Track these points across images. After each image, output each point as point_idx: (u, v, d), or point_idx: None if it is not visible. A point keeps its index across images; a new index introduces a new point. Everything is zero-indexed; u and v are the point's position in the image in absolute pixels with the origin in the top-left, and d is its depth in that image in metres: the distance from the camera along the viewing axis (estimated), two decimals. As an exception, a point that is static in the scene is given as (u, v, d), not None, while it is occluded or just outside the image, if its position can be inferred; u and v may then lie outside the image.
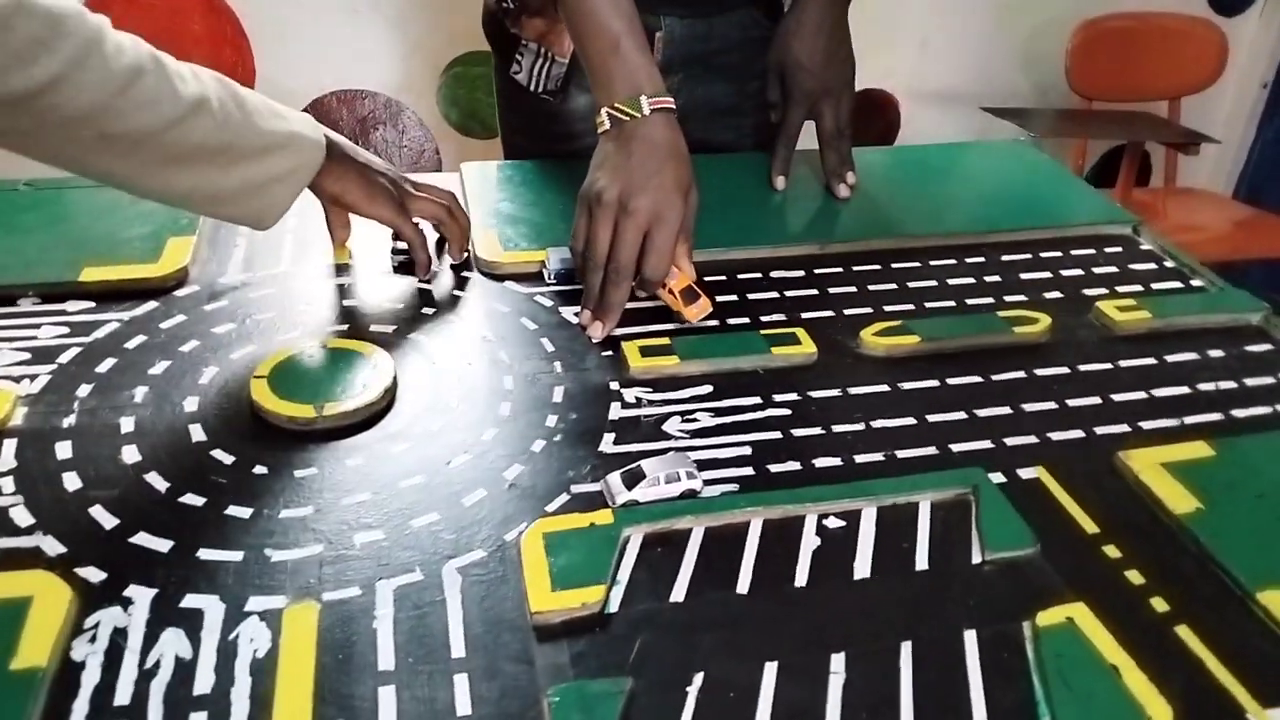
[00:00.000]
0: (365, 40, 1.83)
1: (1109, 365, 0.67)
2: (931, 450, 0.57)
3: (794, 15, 0.88)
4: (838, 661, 0.44)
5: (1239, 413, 0.62)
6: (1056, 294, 0.75)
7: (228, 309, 0.68)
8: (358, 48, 1.84)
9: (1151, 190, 2.16)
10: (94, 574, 0.46)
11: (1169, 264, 0.80)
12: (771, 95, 0.90)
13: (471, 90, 1.92)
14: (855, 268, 0.77)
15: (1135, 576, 0.49)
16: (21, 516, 0.50)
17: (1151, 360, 0.67)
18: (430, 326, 0.68)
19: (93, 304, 0.68)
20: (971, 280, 0.77)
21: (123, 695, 0.41)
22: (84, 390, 0.59)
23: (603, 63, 0.71)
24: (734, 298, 0.72)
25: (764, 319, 0.69)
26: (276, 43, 1.79)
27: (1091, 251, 0.82)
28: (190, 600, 0.45)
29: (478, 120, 1.95)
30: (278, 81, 1.82)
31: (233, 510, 0.51)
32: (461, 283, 0.73)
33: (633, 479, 0.52)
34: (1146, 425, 0.61)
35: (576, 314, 0.69)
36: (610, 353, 0.65)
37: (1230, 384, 0.65)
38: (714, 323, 0.69)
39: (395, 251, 0.76)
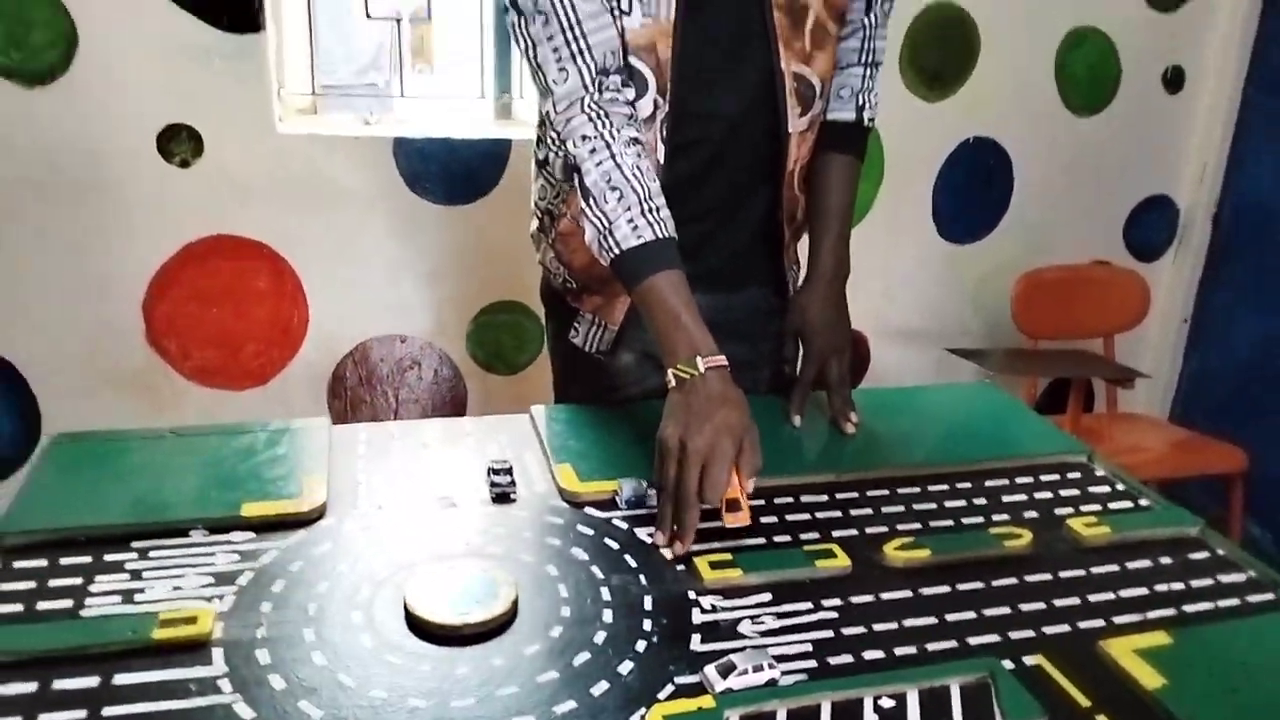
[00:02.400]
0: (405, 293, 2.04)
1: (1082, 571, 0.80)
2: (953, 644, 0.70)
3: (806, 292, 1.09)
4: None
5: (1188, 608, 0.76)
6: (1033, 513, 0.90)
7: (365, 536, 0.81)
8: (398, 299, 2.04)
9: (1097, 416, 2.37)
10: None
11: (1120, 487, 0.96)
12: (789, 352, 1.09)
13: (497, 334, 2.11)
14: (869, 492, 0.92)
15: (1124, 740, 0.61)
16: (244, 711, 0.60)
17: (1115, 567, 0.81)
18: (532, 547, 0.80)
19: (253, 534, 0.80)
20: (964, 503, 0.91)
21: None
22: (266, 607, 0.71)
23: (668, 333, 0.88)
24: (775, 519, 0.86)
25: (803, 536, 0.83)
26: (328, 296, 1.99)
27: (1057, 477, 0.97)
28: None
29: (502, 360, 2.14)
30: (328, 328, 2.00)
31: (414, 701, 0.62)
32: (550, 509, 0.87)
33: (725, 670, 0.64)
34: (1118, 620, 0.74)
35: (650, 534, 0.82)
36: (682, 566, 0.78)
37: (1179, 585, 0.79)
38: (761, 540, 0.82)
39: (494, 484, 0.90)
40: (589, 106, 0.95)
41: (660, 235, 0.91)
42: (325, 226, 1.95)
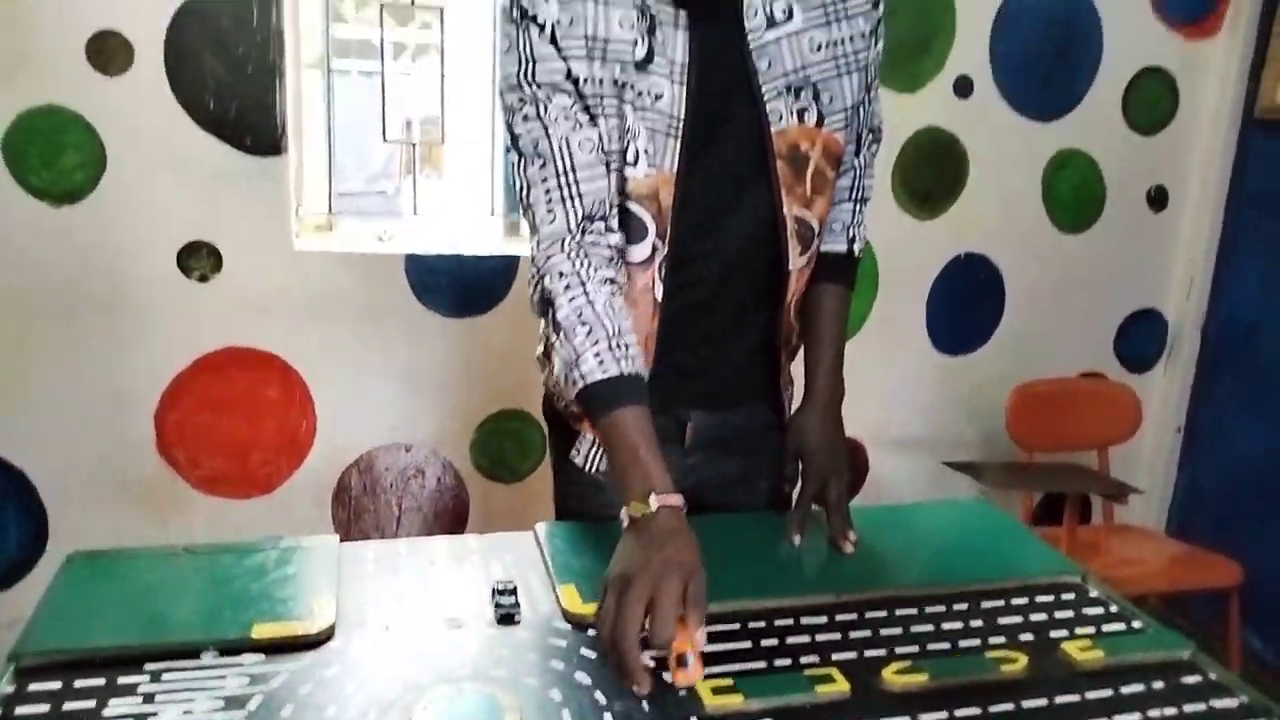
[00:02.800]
0: (411, 403, 2.07)
1: (1077, 697, 0.81)
2: (952, 770, 0.71)
3: (804, 415, 1.12)
4: None
5: (1184, 735, 0.77)
6: (1029, 635, 0.91)
7: (373, 658, 0.82)
8: (405, 409, 2.07)
9: (1094, 528, 2.37)
10: None
11: (1114, 608, 0.97)
12: (789, 472, 1.11)
13: (501, 442, 2.14)
14: (868, 614, 0.93)
15: None
16: (253, 838, 0.61)
17: (1109, 692, 0.82)
18: (536, 670, 0.82)
19: (263, 656, 0.82)
20: (960, 624, 0.92)
21: None
22: (276, 731, 0.72)
23: (625, 470, 0.89)
24: (776, 641, 0.87)
25: (803, 660, 0.84)
26: (336, 407, 2.02)
27: (1051, 598, 0.99)
28: None
29: (505, 467, 2.16)
30: (334, 438, 2.03)
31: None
32: (554, 631, 0.88)
33: (726, 798, 0.64)
34: (1114, 747, 0.75)
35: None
36: (684, 692, 0.79)
37: (1172, 710, 0.80)
38: (763, 664, 0.83)
39: (498, 605, 0.91)
40: (570, 246, 0.99)
41: (626, 371, 0.93)
42: (336, 338, 1.99)
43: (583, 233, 1.00)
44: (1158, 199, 2.50)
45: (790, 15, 1.05)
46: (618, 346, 0.94)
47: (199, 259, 1.89)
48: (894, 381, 2.41)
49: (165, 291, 1.89)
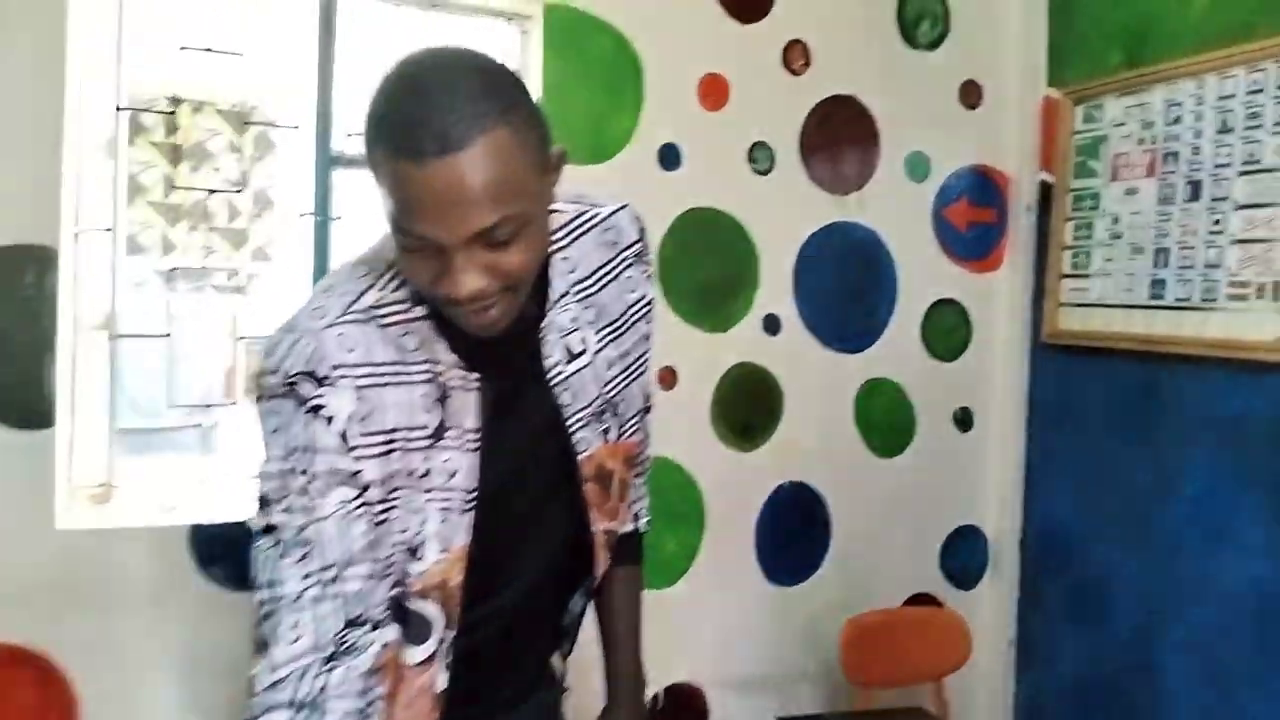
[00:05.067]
0: (194, 694, 1.83)
1: None
2: None
3: (611, 714, 1.03)
4: None
5: None
6: None
7: None
8: (186, 702, 1.82)
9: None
10: None
11: None
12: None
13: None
14: None
15: None
16: None
17: None
18: None
19: None
20: None
21: None
22: None
23: None
24: None
25: None
26: (105, 707, 1.76)
27: None
28: None
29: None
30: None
31: None
32: None
33: None
34: None
35: None
36: None
37: None
38: None
39: None
40: (304, 683, 0.82)
41: None
42: (107, 627, 1.75)
43: (336, 649, 0.83)
44: (964, 420, 2.57)
45: (585, 344, 0.98)
46: None
47: (-55, 547, 1.66)
48: (729, 618, 2.31)
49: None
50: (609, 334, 1.02)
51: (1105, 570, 2.33)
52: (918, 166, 2.46)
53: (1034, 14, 2.48)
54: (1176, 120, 2.10)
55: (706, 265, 2.24)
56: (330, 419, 0.83)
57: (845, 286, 2.40)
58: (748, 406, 2.31)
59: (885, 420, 2.46)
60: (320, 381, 0.83)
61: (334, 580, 0.83)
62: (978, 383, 2.57)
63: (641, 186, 2.15)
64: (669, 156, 2.18)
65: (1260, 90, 1.91)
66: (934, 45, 2.45)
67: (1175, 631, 2.14)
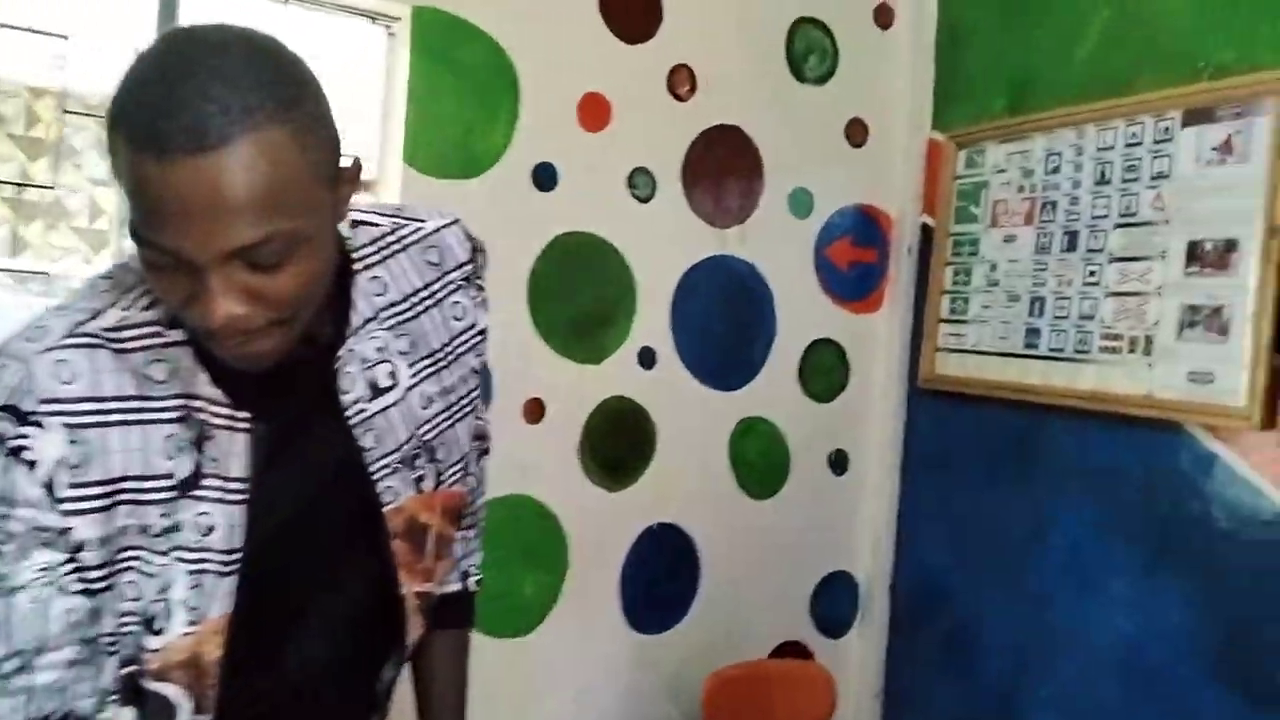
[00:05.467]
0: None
1: None
2: None
3: None
4: None
5: None
6: None
7: None
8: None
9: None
10: None
11: None
12: None
13: None
14: None
15: None
16: None
17: None
18: None
19: None
20: None
21: None
22: None
23: None
24: None
25: None
26: None
27: None
28: None
29: None
30: None
31: None
32: None
33: None
34: None
35: None
36: None
37: None
38: None
39: None
40: None
41: None
42: None
43: None
44: (839, 463, 2.50)
45: (396, 378, 0.83)
46: None
47: None
48: (589, 669, 2.16)
49: None
50: (427, 367, 0.88)
51: (976, 620, 2.28)
52: (801, 203, 2.39)
53: (921, 55, 2.46)
54: (1056, 170, 2.08)
55: (580, 293, 2.11)
56: (33, 464, 0.67)
57: (724, 322, 2.30)
58: (619, 443, 2.18)
59: (760, 461, 2.37)
60: (24, 418, 0.66)
61: (19, 671, 0.66)
62: (854, 425, 2.50)
63: (513, 206, 2.02)
64: (544, 176, 2.05)
65: (1138, 143, 1.90)
66: (822, 80, 2.39)
67: (1044, 684, 2.10)
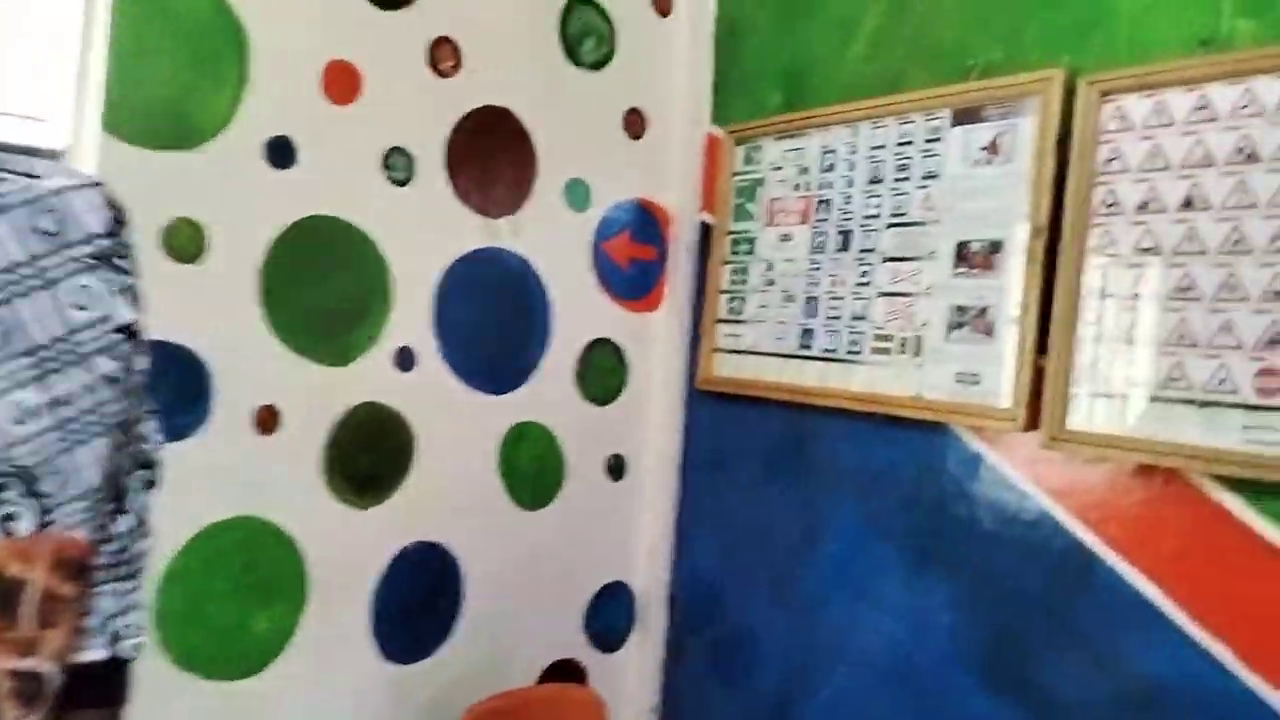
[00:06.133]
0: None
1: None
2: None
3: None
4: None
5: None
6: None
7: None
8: None
9: None
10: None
11: None
12: None
13: None
14: None
15: None
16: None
17: None
18: None
19: None
20: None
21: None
22: None
23: None
24: None
25: None
26: None
27: None
28: None
29: None
30: None
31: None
32: None
33: None
34: None
35: None
36: None
37: None
38: None
39: None
40: None
41: None
42: None
43: None
44: (616, 469, 2.36)
45: None
46: None
47: None
48: (332, 708, 1.91)
49: None
50: (23, 371, 0.64)
51: (751, 627, 2.21)
52: (578, 194, 2.23)
53: (700, 47, 2.36)
54: (831, 168, 2.03)
55: (324, 286, 1.86)
56: None
57: (493, 320, 2.11)
58: (371, 455, 1.94)
59: (532, 469, 2.19)
60: None
61: None
62: (633, 429, 2.38)
63: (241, 184, 1.74)
64: (280, 152, 1.79)
65: (909, 142, 1.86)
66: (599, 66, 2.24)
67: (819, 692, 2.04)
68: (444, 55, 2.00)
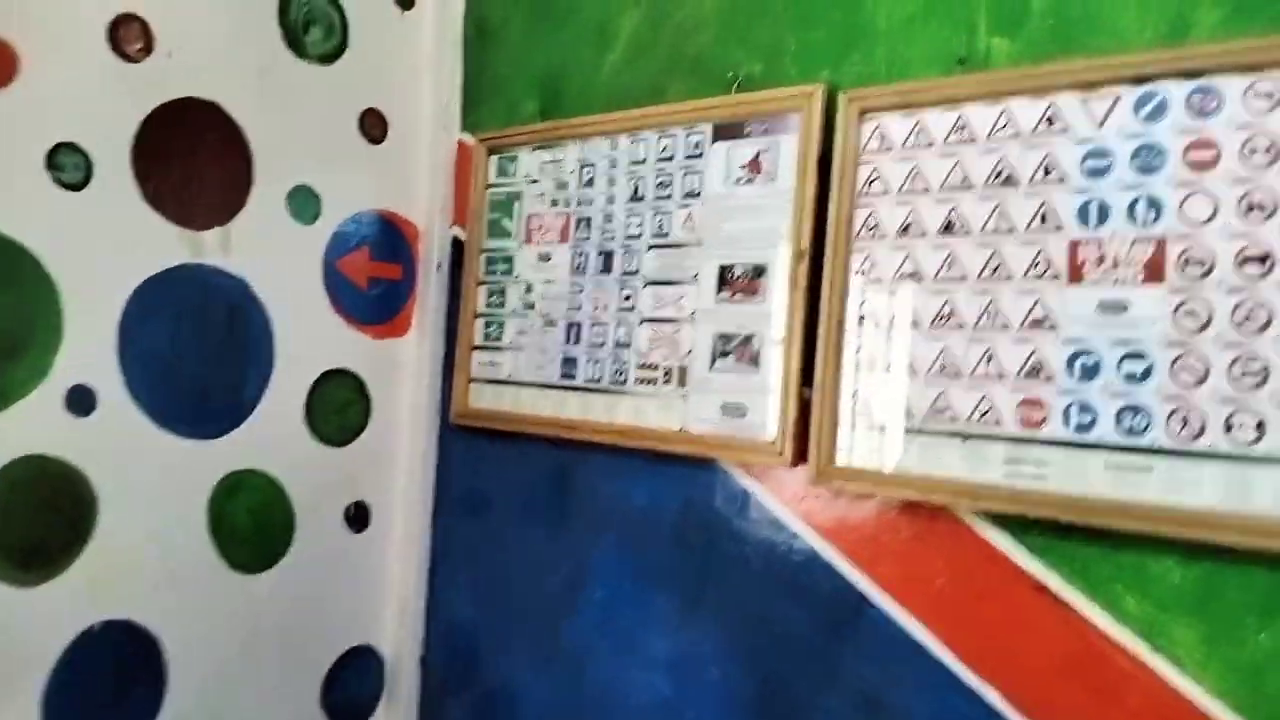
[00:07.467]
0: None
1: None
2: None
3: None
4: None
5: None
6: None
7: None
8: None
9: None
10: None
11: None
12: None
13: None
14: None
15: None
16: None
17: None
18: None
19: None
20: None
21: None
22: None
23: None
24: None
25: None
26: None
27: None
28: None
29: None
30: None
31: None
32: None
33: None
34: None
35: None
36: None
37: None
38: None
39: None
40: None
41: None
42: None
43: None
44: (358, 518, 2.09)
45: None
46: None
47: None
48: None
49: None
50: None
51: (514, 688, 2.01)
52: (305, 204, 1.96)
53: (448, 45, 2.15)
54: (590, 182, 1.88)
55: (-36, 312, 1.49)
56: None
57: (199, 351, 1.80)
58: (37, 520, 1.58)
59: (252, 524, 1.89)
60: None
61: None
62: (377, 472, 2.12)
63: None
64: (-104, 143, 1.41)
65: (670, 157, 1.74)
66: (328, 59, 1.98)
67: (584, 758, 1.87)
68: (130, 37, 1.68)
